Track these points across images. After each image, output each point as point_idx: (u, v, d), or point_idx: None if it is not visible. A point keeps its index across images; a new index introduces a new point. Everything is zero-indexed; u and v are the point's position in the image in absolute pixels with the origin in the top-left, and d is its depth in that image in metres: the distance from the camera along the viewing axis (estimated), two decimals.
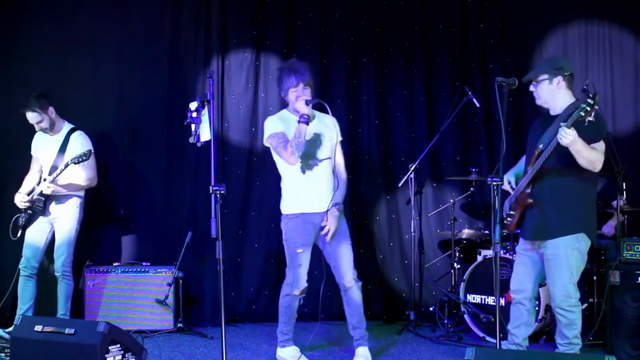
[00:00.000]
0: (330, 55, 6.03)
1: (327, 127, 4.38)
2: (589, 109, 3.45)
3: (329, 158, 4.33)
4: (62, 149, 5.06)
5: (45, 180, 4.95)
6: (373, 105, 6.09)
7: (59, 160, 5.01)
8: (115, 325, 3.59)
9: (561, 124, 3.59)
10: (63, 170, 4.88)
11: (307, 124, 4.11)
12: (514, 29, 6.05)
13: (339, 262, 4.34)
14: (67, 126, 5.16)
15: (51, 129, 5.09)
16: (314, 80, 4.35)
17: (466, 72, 6.07)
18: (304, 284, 4.31)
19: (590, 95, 3.48)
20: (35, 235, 5.07)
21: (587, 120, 3.49)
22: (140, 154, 5.80)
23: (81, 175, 5.01)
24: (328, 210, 4.24)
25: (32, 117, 5.01)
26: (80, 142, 5.09)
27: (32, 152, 5.23)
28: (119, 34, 5.82)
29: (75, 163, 4.83)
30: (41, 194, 4.99)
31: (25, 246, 5.07)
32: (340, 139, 4.46)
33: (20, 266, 5.04)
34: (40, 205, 5.01)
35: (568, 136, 3.55)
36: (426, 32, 6.12)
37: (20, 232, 5.08)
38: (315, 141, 4.31)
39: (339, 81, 6.01)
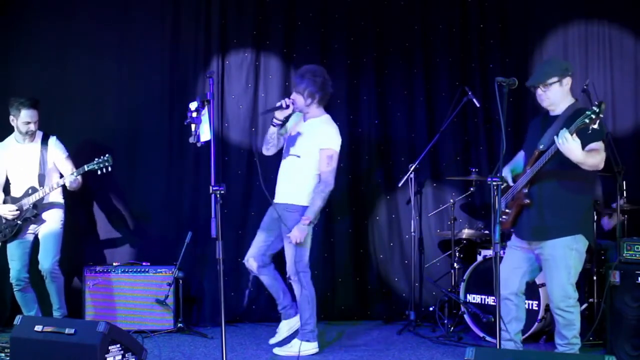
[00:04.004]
0: (330, 55, 6.02)
1: (312, 131, 4.65)
2: (594, 117, 3.42)
3: (297, 156, 4.63)
4: (43, 155, 4.95)
5: (61, 181, 4.83)
6: (373, 105, 6.08)
7: (44, 167, 4.91)
8: (115, 325, 3.59)
9: (564, 129, 3.56)
10: (82, 173, 4.82)
11: (274, 126, 4.71)
12: (514, 29, 6.05)
13: None
14: (39, 132, 5.01)
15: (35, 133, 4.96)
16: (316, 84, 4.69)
17: (466, 72, 6.07)
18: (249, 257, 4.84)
19: (596, 103, 3.44)
20: (19, 245, 4.93)
21: (590, 127, 3.47)
22: (140, 154, 5.79)
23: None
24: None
25: (31, 115, 4.84)
26: (59, 147, 5.02)
27: None
28: (119, 33, 5.81)
29: (94, 169, 4.81)
30: (34, 204, 4.87)
31: (12, 258, 4.94)
32: (322, 147, 4.60)
33: (12, 281, 4.95)
34: (31, 215, 4.86)
35: (567, 142, 3.51)
36: (426, 32, 6.12)
37: None
38: (293, 139, 4.71)
39: (339, 81, 6.00)
